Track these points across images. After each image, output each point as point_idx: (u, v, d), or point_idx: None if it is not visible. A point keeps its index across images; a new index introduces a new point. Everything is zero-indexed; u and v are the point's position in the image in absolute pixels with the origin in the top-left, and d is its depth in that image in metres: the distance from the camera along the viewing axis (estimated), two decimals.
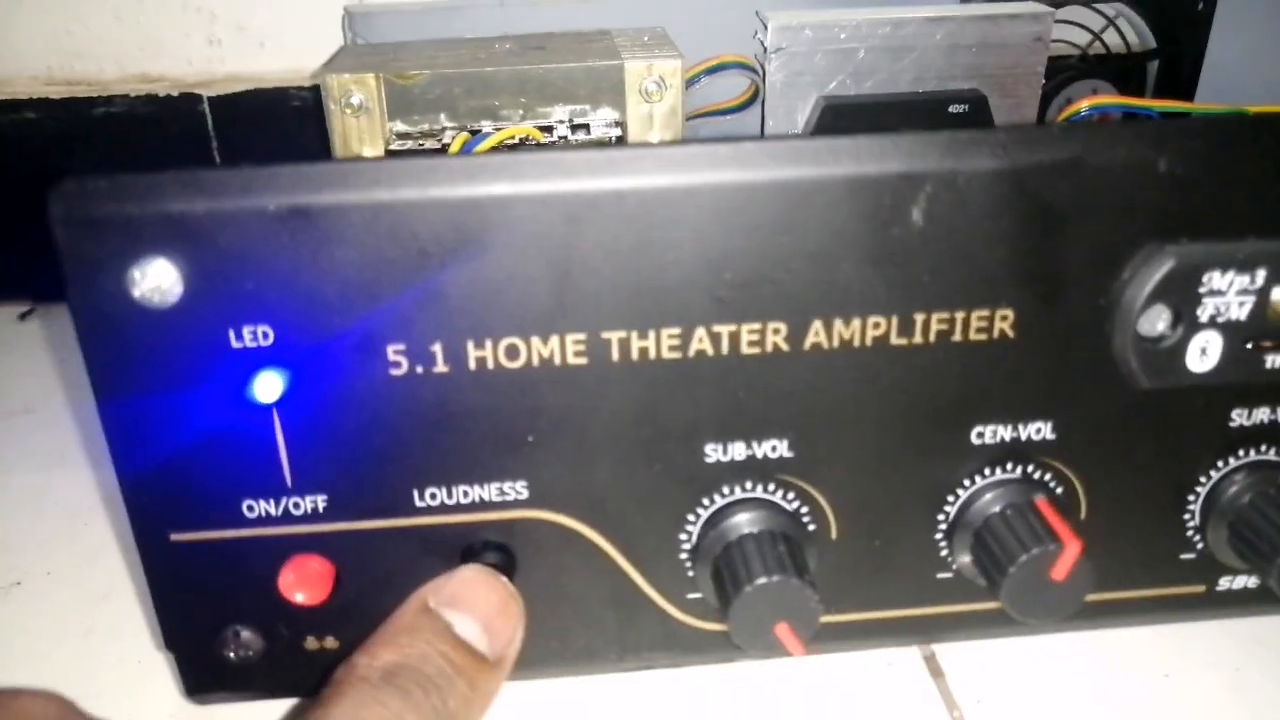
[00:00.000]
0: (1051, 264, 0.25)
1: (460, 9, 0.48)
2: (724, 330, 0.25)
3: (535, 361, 0.25)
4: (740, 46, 0.45)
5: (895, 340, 0.26)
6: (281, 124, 0.54)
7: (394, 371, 0.25)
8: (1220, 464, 0.28)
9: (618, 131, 0.39)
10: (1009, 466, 0.28)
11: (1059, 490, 0.28)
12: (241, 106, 0.54)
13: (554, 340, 0.25)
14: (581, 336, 0.25)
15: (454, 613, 0.25)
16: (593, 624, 0.28)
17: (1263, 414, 0.28)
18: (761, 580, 0.25)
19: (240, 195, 0.23)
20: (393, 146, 0.39)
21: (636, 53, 0.39)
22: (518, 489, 0.27)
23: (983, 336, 0.26)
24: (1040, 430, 0.27)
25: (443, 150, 0.39)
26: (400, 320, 0.24)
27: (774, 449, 0.27)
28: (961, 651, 0.31)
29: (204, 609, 0.27)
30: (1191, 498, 0.29)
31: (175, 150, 0.54)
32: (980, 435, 0.27)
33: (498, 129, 0.39)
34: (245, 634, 0.27)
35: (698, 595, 0.28)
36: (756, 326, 0.25)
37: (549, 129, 0.39)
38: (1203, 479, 0.28)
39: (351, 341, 0.24)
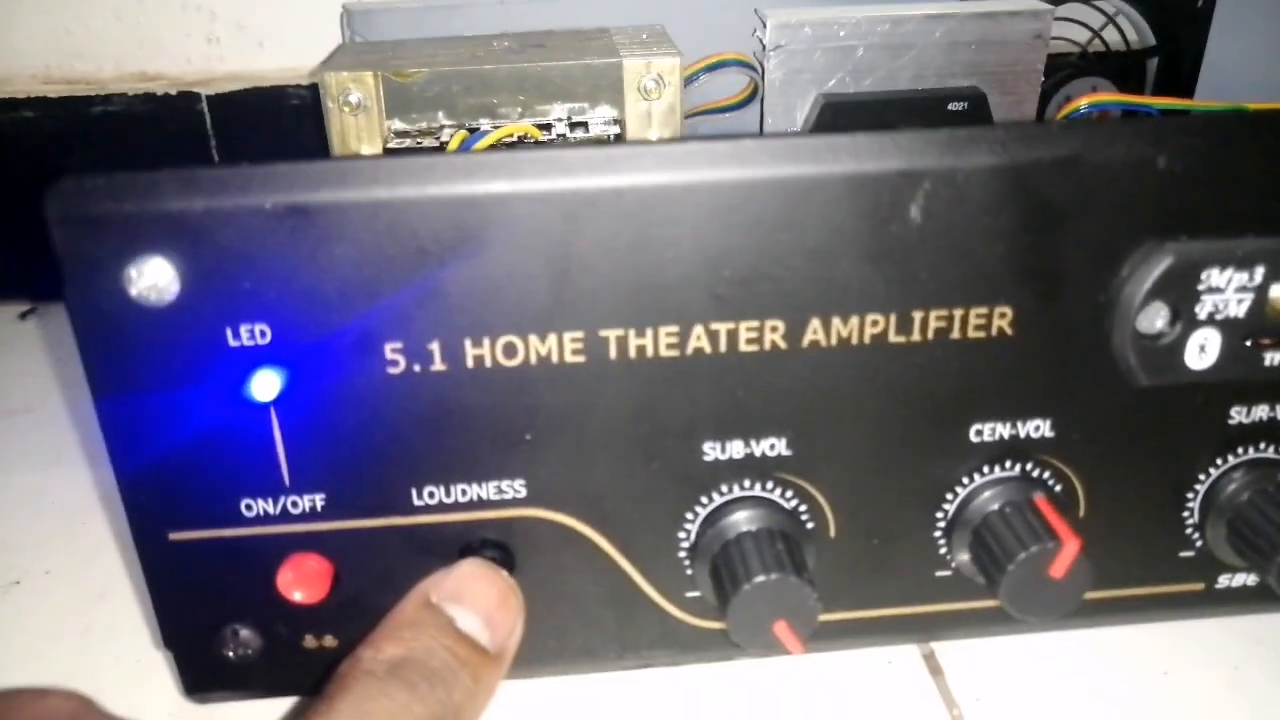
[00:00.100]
0: (1050, 261, 0.25)
1: (459, 7, 0.48)
2: (722, 328, 0.25)
3: (533, 360, 0.25)
4: (739, 44, 0.45)
5: (894, 338, 0.26)
6: (280, 122, 0.54)
7: (392, 370, 0.25)
8: (1219, 461, 0.28)
9: (616, 129, 0.39)
10: (1008, 464, 0.28)
11: (1058, 488, 0.28)
12: (240, 105, 0.54)
13: (552, 338, 0.25)
14: (579, 334, 0.25)
15: (456, 607, 0.25)
16: (591, 622, 0.28)
17: (1261, 411, 0.28)
18: (760, 578, 0.25)
19: (238, 193, 0.23)
20: (391, 145, 0.39)
21: (635, 50, 0.39)
22: (516, 487, 0.27)
23: (981, 334, 0.26)
24: (1039, 428, 0.27)
25: (441, 148, 0.39)
26: (398, 318, 0.24)
27: (772, 447, 0.27)
28: (960, 649, 0.31)
29: (202, 608, 0.27)
30: (1190, 495, 0.29)
31: (173, 149, 0.54)
32: (979, 433, 0.27)
33: (496, 127, 0.39)
34: (244, 633, 0.27)
35: (696, 593, 0.28)
36: (755, 324, 0.25)
37: (547, 127, 0.39)
38: (1202, 476, 0.28)
39: (349, 340, 0.24)
